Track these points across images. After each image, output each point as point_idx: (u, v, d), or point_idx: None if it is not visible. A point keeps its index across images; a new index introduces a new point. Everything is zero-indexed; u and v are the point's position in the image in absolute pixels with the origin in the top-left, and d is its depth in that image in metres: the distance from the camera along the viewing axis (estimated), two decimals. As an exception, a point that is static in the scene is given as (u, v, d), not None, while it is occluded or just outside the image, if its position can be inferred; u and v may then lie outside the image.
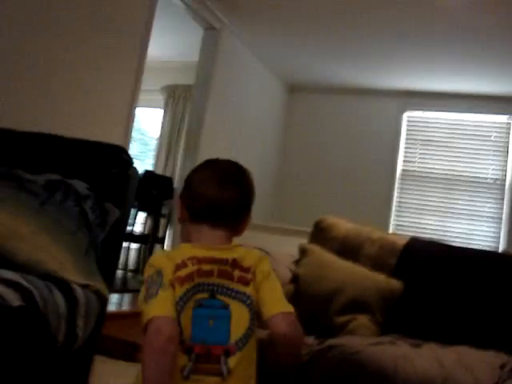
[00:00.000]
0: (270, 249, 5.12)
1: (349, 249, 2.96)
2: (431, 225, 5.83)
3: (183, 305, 1.29)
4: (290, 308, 1.46)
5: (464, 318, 2.67)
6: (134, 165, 2.24)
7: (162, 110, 6.88)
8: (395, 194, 6.00)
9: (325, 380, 2.11)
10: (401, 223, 5.95)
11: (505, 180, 5.66)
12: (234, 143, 5.41)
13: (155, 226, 5.61)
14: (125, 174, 2.13)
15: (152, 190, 5.31)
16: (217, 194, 1.41)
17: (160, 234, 5.75)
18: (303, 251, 2.87)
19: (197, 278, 1.32)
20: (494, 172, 5.73)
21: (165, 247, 6.10)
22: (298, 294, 2.59)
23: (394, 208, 5.99)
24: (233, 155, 5.04)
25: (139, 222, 5.97)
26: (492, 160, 5.75)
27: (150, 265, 1.34)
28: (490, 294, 2.71)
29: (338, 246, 2.99)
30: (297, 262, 2.89)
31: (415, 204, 5.96)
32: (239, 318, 1.33)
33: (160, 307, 1.25)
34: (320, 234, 3.08)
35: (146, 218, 5.89)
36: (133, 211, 5.59)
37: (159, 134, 6.80)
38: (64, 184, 1.89)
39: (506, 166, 5.67)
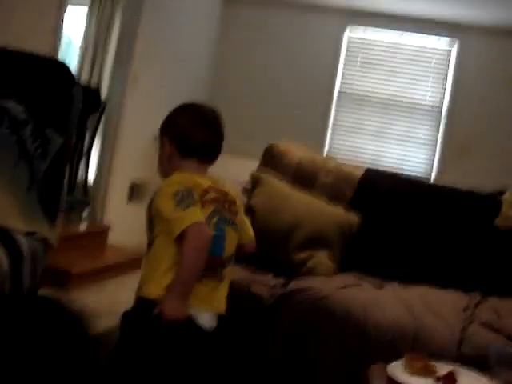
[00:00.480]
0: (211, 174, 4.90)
1: (303, 178, 2.78)
2: (366, 148, 5.74)
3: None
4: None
5: (421, 253, 2.59)
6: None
7: (86, 8, 6.25)
8: (332, 115, 5.83)
9: (292, 326, 1.96)
10: (336, 145, 5.82)
11: (442, 107, 5.59)
12: (169, 60, 5.01)
13: (80, 142, 5.20)
14: (68, 94, 1.81)
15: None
16: (207, 137, 1.74)
17: (87, 147, 5.36)
18: (256, 180, 2.66)
19: (214, 204, 1.65)
20: (431, 98, 5.64)
21: (90, 163, 5.74)
22: (254, 228, 2.39)
23: (329, 129, 5.83)
24: (167, 73, 4.64)
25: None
26: (431, 86, 5.64)
27: (178, 182, 1.60)
28: (446, 229, 2.64)
29: (292, 174, 2.79)
30: (249, 191, 2.68)
31: (351, 126, 5.82)
32: (230, 241, 1.68)
33: (199, 215, 1.55)
34: (271, 160, 2.87)
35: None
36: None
37: (83, 37, 6.20)
38: (-3, 107, 1.56)
39: (443, 92, 5.58)
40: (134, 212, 4.83)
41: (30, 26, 3.20)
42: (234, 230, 1.70)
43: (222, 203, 1.67)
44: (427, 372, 1.43)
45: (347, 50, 5.86)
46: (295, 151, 2.89)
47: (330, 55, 5.85)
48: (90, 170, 4.95)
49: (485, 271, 2.52)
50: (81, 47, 6.11)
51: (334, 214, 2.53)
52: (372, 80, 5.77)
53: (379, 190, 2.71)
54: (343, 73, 5.85)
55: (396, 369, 1.44)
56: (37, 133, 1.61)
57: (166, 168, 1.74)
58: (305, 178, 2.77)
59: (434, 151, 5.60)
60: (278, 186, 2.59)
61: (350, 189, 2.73)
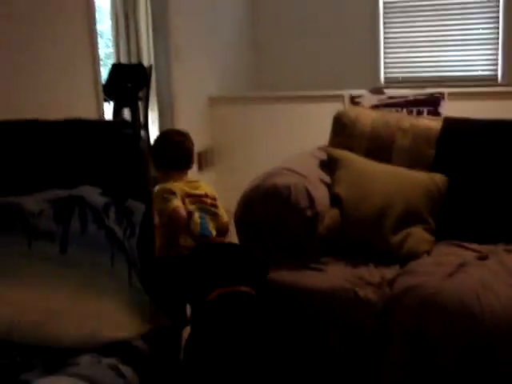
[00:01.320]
0: (268, 123, 4.75)
1: (380, 145, 2.68)
2: (424, 59, 5.46)
3: (192, 215, 2.27)
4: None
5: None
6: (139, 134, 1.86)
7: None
8: (381, 30, 5.54)
9: (406, 329, 1.95)
10: (392, 63, 5.57)
11: (498, -2, 5.21)
12: (204, 16, 4.83)
13: (135, 118, 5.19)
14: (137, 155, 1.77)
15: (126, 84, 4.83)
16: (175, 154, 2.46)
17: (143, 121, 5.36)
18: (334, 161, 2.59)
19: (197, 203, 2.34)
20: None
21: (151, 132, 5.75)
22: (344, 217, 2.35)
23: (382, 47, 5.56)
24: (206, 30, 4.50)
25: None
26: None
27: (165, 190, 2.28)
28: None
29: (367, 142, 2.70)
30: (329, 170, 2.60)
31: (404, 39, 5.53)
32: (213, 225, 2.34)
33: (179, 204, 2.24)
34: (344, 130, 2.77)
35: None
36: (113, 109, 5.14)
37: (111, 8, 6.06)
38: (75, 202, 1.53)
39: (497, -19, 5.19)
40: (208, 180, 4.86)
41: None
42: (214, 217, 2.37)
43: (202, 201, 2.36)
44: None
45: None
46: (367, 115, 2.78)
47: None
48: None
49: None
50: (112, 22, 5.99)
51: (421, 184, 2.44)
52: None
53: (460, 145, 2.58)
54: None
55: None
56: (120, 212, 1.59)
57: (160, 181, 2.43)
58: (381, 144, 2.67)
59: (497, 49, 5.27)
60: (358, 165, 2.52)
61: (431, 148, 2.61)
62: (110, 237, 1.51)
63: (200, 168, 4.81)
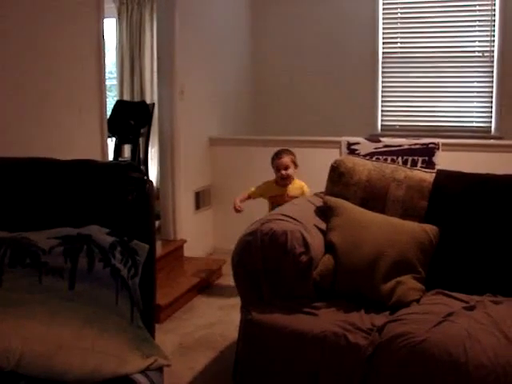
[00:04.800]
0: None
1: (375, 194, 2.79)
2: (420, 108, 5.62)
3: None
4: None
5: (505, 261, 2.54)
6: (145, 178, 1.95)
7: (114, 20, 6.28)
8: (379, 79, 5.70)
9: (394, 374, 2.01)
10: (389, 110, 5.72)
11: (493, 51, 5.38)
12: (209, 60, 4.98)
13: (136, 154, 5.30)
14: (144, 198, 1.86)
15: (129, 121, 4.95)
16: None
17: (142, 157, 5.48)
18: (330, 209, 2.68)
19: None
20: (480, 44, 5.44)
21: (150, 168, 5.85)
22: (337, 264, 2.43)
23: (379, 95, 5.71)
24: (209, 73, 4.65)
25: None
26: (478, 32, 5.42)
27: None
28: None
29: (363, 192, 2.80)
30: (324, 217, 2.69)
31: (401, 89, 5.69)
32: None
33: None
34: (340, 179, 2.87)
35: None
36: (115, 144, 5.25)
37: (117, 43, 6.24)
38: (84, 240, 1.61)
39: (493, 36, 5.36)
40: (204, 219, 4.95)
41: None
42: None
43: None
44: None
45: (383, 9, 5.66)
46: (363, 166, 2.88)
47: (368, 18, 5.68)
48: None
49: None
50: (116, 59, 6.15)
51: (413, 234, 2.53)
52: (415, 36, 5.61)
53: (452, 197, 2.68)
54: (383, 33, 5.69)
55: None
56: (125, 252, 1.67)
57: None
58: (376, 193, 2.78)
59: (491, 101, 5.43)
60: (353, 214, 2.61)
61: (423, 200, 2.71)
62: (114, 275, 1.58)
63: (197, 207, 4.89)
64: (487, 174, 2.78)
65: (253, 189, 4.00)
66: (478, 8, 5.42)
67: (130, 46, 6.31)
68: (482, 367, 1.92)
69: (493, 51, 5.39)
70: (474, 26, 5.44)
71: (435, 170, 2.88)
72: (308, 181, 3.89)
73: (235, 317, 2.64)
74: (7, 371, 1.33)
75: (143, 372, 1.46)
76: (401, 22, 5.64)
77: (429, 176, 2.81)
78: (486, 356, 1.94)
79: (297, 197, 3.51)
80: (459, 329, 2.08)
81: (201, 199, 4.89)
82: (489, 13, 5.37)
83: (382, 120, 5.71)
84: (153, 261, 1.84)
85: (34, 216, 1.77)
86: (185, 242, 4.47)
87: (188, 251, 4.48)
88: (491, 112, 5.44)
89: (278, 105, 5.86)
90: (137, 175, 1.87)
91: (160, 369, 1.54)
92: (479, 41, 5.46)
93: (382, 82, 5.71)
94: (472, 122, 5.49)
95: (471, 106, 5.52)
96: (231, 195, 4.18)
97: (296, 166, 3.89)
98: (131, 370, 1.42)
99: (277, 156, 3.88)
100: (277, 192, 3.86)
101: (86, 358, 1.38)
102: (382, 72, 5.70)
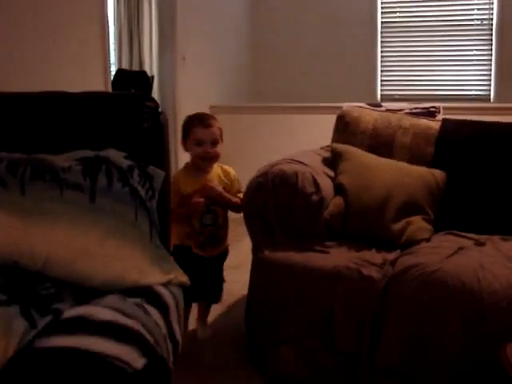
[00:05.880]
0: (273, 135, 4.86)
1: (381, 142, 2.80)
2: (419, 78, 5.63)
3: None
4: None
5: (510, 201, 2.58)
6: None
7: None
8: (379, 49, 5.71)
9: (408, 304, 2.03)
10: (389, 81, 5.73)
11: (492, 19, 5.40)
12: (210, 32, 4.97)
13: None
14: (158, 126, 1.86)
15: (130, 89, 4.93)
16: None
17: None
18: (338, 154, 2.68)
19: None
20: (479, 12, 5.45)
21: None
22: (347, 206, 2.44)
23: (379, 65, 5.72)
24: (209, 41, 4.64)
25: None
26: (477, 0, 5.44)
27: None
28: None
29: (369, 140, 2.81)
30: (332, 165, 2.71)
31: (400, 58, 5.70)
32: None
33: None
34: (347, 128, 2.88)
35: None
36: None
37: (115, 19, 6.21)
38: (102, 161, 1.62)
39: (492, 4, 5.38)
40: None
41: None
42: None
43: None
44: None
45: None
46: (369, 115, 2.89)
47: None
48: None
49: None
50: (115, 32, 6.12)
51: (421, 177, 2.55)
52: (414, 4, 5.60)
53: (459, 143, 2.70)
54: (383, 3, 5.69)
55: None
56: (142, 175, 1.67)
57: None
58: (383, 141, 2.78)
59: (490, 70, 5.45)
60: (362, 158, 2.62)
61: (430, 146, 2.73)
62: (133, 194, 1.59)
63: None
64: (491, 122, 2.80)
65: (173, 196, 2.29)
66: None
67: (127, 19, 6.28)
68: (494, 294, 1.93)
69: (492, 19, 5.41)
70: (473, -6, 5.46)
71: (441, 119, 2.90)
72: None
73: (240, 277, 2.67)
74: (34, 272, 1.33)
75: (164, 285, 1.47)
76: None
77: (434, 124, 2.82)
78: (499, 283, 1.96)
79: (225, 189, 2.50)
80: (471, 260, 2.10)
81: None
82: (488, -19, 5.39)
83: (381, 89, 5.72)
84: (168, 189, 1.85)
85: (51, 144, 1.77)
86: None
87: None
88: (490, 80, 5.46)
89: (278, 73, 5.86)
90: (151, 104, 1.88)
91: (180, 287, 1.55)
92: (478, 9, 5.47)
93: (381, 51, 5.72)
94: (471, 90, 5.51)
95: (471, 75, 5.54)
96: (234, 162, 4.19)
97: (222, 140, 2.54)
98: (153, 281, 1.43)
99: (201, 123, 2.46)
100: (191, 186, 2.44)
101: (109, 264, 1.39)
102: (381, 41, 5.71)
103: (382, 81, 5.73)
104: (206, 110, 4.95)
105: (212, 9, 5.03)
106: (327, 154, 2.83)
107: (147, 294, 1.38)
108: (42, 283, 1.31)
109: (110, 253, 1.41)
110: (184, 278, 1.56)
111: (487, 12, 5.42)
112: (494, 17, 5.39)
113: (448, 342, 1.97)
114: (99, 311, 1.21)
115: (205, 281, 2.52)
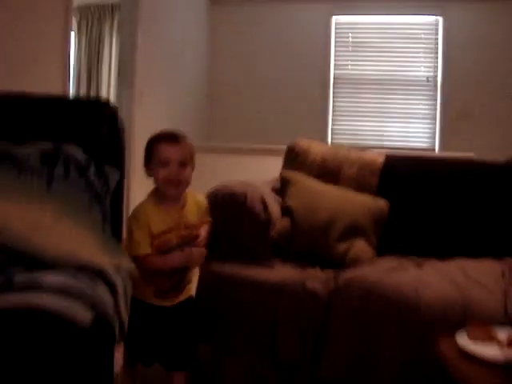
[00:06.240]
0: (227, 173, 4.96)
1: (329, 172, 2.92)
2: (369, 129, 5.87)
3: None
4: None
5: (449, 229, 2.73)
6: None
7: (73, 34, 6.38)
8: (330, 101, 5.95)
9: (350, 316, 2.10)
10: (339, 130, 5.95)
11: (436, 77, 5.72)
12: (168, 70, 5.12)
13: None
14: (116, 131, 1.94)
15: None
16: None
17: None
18: (286, 180, 2.80)
19: None
20: (425, 70, 5.78)
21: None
22: (294, 226, 2.54)
23: (330, 116, 5.95)
24: (166, 81, 4.74)
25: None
26: (423, 59, 5.77)
27: None
28: (470, 202, 2.77)
29: (317, 170, 2.93)
30: (279, 191, 2.81)
31: (351, 109, 5.95)
32: None
33: None
34: (296, 159, 3.01)
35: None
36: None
37: (76, 58, 6.33)
38: (60, 153, 1.68)
39: (436, 63, 5.71)
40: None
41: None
42: None
43: None
44: (489, 338, 1.58)
45: (336, 35, 5.97)
46: (318, 147, 3.03)
47: (321, 42, 5.96)
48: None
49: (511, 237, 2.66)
50: (76, 67, 6.23)
51: (364, 204, 2.67)
52: (365, 61, 5.91)
53: (401, 175, 2.85)
54: (336, 57, 5.97)
55: (462, 339, 1.58)
56: (98, 171, 1.74)
57: None
58: (330, 172, 2.91)
59: (435, 123, 5.74)
60: (308, 184, 2.73)
61: (374, 177, 2.87)
62: (88, 186, 1.65)
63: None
64: (431, 156, 2.98)
65: (140, 238, 1.91)
66: (422, 36, 5.78)
67: (88, 60, 6.40)
68: (431, 306, 2.03)
69: (436, 77, 5.73)
70: (419, 52, 5.79)
71: (384, 152, 3.05)
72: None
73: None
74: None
75: (113, 269, 1.51)
76: (352, 47, 5.95)
77: (379, 156, 2.97)
78: (436, 296, 2.06)
79: (199, 226, 2.11)
80: (410, 275, 2.21)
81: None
82: (432, 41, 5.73)
83: (332, 138, 5.92)
84: (122, 190, 1.91)
85: (16, 136, 1.81)
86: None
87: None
88: (435, 133, 5.74)
89: (233, 115, 6.03)
90: (110, 110, 1.96)
91: (129, 273, 1.59)
92: (424, 66, 5.80)
93: (333, 101, 5.96)
94: (418, 142, 5.77)
95: (417, 128, 5.81)
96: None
97: (193, 166, 2.11)
98: (102, 263, 1.47)
99: (167, 139, 2.04)
100: (163, 222, 1.98)
101: (63, 241, 1.43)
102: (333, 93, 5.96)
103: (332, 129, 5.95)
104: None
105: (170, 48, 5.20)
106: (276, 184, 2.94)
107: (97, 272, 1.42)
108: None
109: (64, 231, 1.45)
110: (133, 269, 1.61)
111: (432, 70, 5.75)
112: (439, 75, 5.71)
113: (385, 354, 2.05)
114: (50, 276, 1.25)
115: (166, 336, 2.03)
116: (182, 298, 2.09)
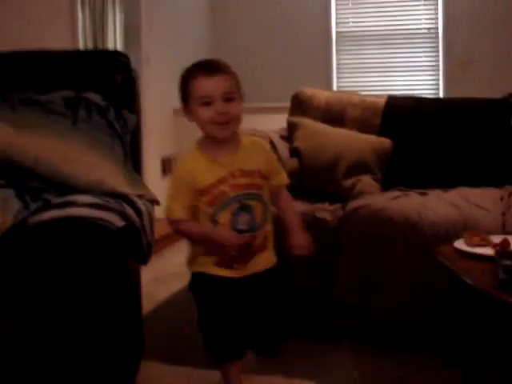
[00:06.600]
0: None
1: (333, 116, 3.04)
2: (373, 82, 5.95)
3: None
4: None
5: (451, 162, 2.86)
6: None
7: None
8: (334, 56, 6.04)
9: (357, 241, 2.25)
10: (344, 85, 6.04)
11: (437, 28, 5.78)
12: (173, 33, 5.24)
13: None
14: (130, 79, 2.08)
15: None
16: None
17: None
18: (293, 125, 2.93)
19: None
20: (426, 22, 5.84)
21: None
22: (302, 166, 2.68)
23: (334, 71, 6.04)
24: (172, 45, 4.83)
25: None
26: (424, 10, 5.83)
27: None
28: (470, 136, 2.90)
29: (322, 114, 3.06)
30: (288, 137, 2.95)
31: (355, 64, 6.02)
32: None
33: None
34: (301, 106, 3.13)
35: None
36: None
37: (81, 25, 6.40)
38: (82, 99, 1.82)
39: (437, 14, 5.77)
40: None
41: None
42: None
43: None
44: (485, 243, 1.72)
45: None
46: (321, 93, 3.15)
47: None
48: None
49: (509, 166, 2.79)
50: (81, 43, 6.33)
51: (369, 142, 2.80)
52: (366, 16, 5.96)
53: (403, 114, 2.97)
54: (337, 13, 6.03)
55: (460, 244, 1.73)
56: (117, 115, 1.88)
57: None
58: (334, 115, 3.03)
59: (438, 73, 5.81)
60: (315, 126, 2.86)
61: (377, 118, 2.99)
62: (110, 127, 1.79)
63: (164, 173, 5.10)
64: (432, 98, 3.10)
65: (172, 203, 1.67)
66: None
67: (92, 25, 6.44)
68: (434, 225, 2.18)
69: (437, 28, 5.79)
70: (420, 5, 5.85)
71: (386, 95, 3.17)
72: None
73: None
74: (25, 168, 1.52)
75: (138, 197, 1.67)
76: (352, 3, 6.01)
77: (381, 99, 3.10)
78: (438, 216, 2.21)
79: (259, 174, 1.68)
80: (414, 201, 2.36)
81: (167, 166, 5.10)
82: (432, -8, 5.80)
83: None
84: (139, 134, 2.06)
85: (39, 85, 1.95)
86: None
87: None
88: (439, 83, 5.82)
89: (238, 75, 6.12)
90: (124, 59, 2.09)
91: (151, 202, 1.74)
92: (425, 18, 5.86)
93: (337, 58, 6.05)
94: (422, 94, 5.85)
95: (420, 79, 5.89)
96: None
97: (242, 99, 1.74)
98: (127, 191, 1.62)
99: (205, 71, 1.66)
100: (211, 173, 1.64)
101: (91, 170, 1.58)
102: (336, 50, 6.05)
103: (338, 86, 6.04)
104: (170, 114, 5.22)
105: (174, 12, 5.31)
106: (284, 132, 3.08)
107: (123, 198, 1.57)
108: (32, 179, 1.50)
109: (91, 162, 1.60)
110: (154, 196, 1.76)
111: (433, 22, 5.81)
112: (440, 26, 5.77)
113: (394, 272, 2.20)
114: (83, 197, 1.40)
115: (238, 317, 1.67)
116: (254, 268, 1.67)
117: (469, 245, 1.73)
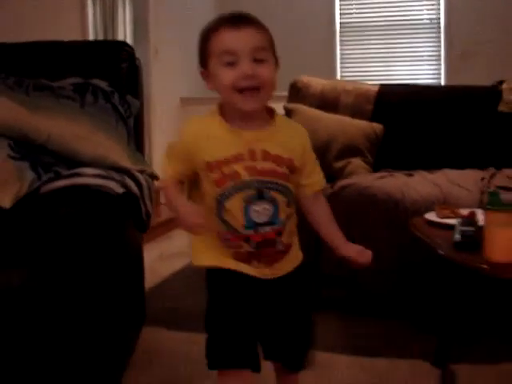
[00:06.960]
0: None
1: (328, 102, 3.21)
2: (377, 71, 6.10)
3: None
4: None
5: (438, 145, 3.03)
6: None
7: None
8: (337, 47, 6.19)
9: (344, 216, 2.42)
10: (347, 75, 6.19)
11: (439, 19, 5.91)
12: (180, 25, 5.41)
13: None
14: (134, 67, 2.26)
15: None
16: None
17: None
18: (289, 111, 3.10)
19: None
20: (428, 13, 5.97)
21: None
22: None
23: (338, 61, 6.19)
24: (181, 37, 5.00)
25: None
26: (426, 1, 5.95)
27: None
28: (457, 121, 3.06)
29: (317, 101, 3.23)
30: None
31: (358, 54, 6.18)
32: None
33: None
34: (298, 93, 3.30)
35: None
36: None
37: (92, 18, 6.60)
38: (89, 85, 2.01)
39: (439, 5, 5.90)
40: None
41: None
42: None
43: None
44: (454, 215, 1.89)
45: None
46: (318, 81, 3.32)
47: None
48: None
49: (495, 150, 2.95)
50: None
51: (360, 127, 2.98)
52: (369, 7, 6.11)
53: (394, 102, 3.14)
54: (341, 6, 6.18)
55: (431, 216, 1.90)
56: (122, 100, 2.07)
57: None
58: (329, 102, 3.20)
59: (440, 63, 5.95)
60: (309, 112, 3.04)
61: (369, 105, 3.16)
62: (115, 110, 1.98)
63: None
64: (422, 85, 3.26)
65: (167, 165, 1.34)
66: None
67: (103, 18, 6.62)
68: (416, 203, 2.35)
69: (439, 18, 5.93)
70: (421, -5, 6.01)
71: (379, 84, 3.34)
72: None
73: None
74: (38, 144, 1.71)
75: (139, 172, 1.86)
76: (356, -6, 6.17)
77: (374, 87, 3.27)
78: (419, 195, 2.38)
79: (289, 164, 1.33)
80: (398, 181, 2.53)
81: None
82: (434, -17, 5.93)
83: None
84: (142, 120, 2.25)
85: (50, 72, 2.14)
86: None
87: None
88: (440, 74, 5.96)
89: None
90: (129, 49, 2.28)
91: (152, 177, 1.93)
92: (427, 9, 6.00)
93: (341, 49, 6.21)
94: (424, 83, 5.99)
95: (423, 69, 6.04)
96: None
97: (276, 62, 1.34)
98: (127, 165, 1.82)
99: (229, 24, 1.27)
100: (228, 146, 1.27)
101: (97, 147, 1.77)
102: (340, 40, 6.20)
103: (341, 76, 6.20)
104: (177, 102, 5.41)
105: (182, 5, 5.48)
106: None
107: (126, 172, 1.76)
108: (44, 154, 1.70)
109: (98, 140, 1.80)
110: (154, 171, 1.95)
111: (435, 12, 5.94)
112: (442, 16, 5.90)
113: (380, 246, 2.37)
114: (88, 169, 1.60)
115: (252, 318, 1.34)
116: (279, 272, 1.35)
117: (439, 216, 1.91)
